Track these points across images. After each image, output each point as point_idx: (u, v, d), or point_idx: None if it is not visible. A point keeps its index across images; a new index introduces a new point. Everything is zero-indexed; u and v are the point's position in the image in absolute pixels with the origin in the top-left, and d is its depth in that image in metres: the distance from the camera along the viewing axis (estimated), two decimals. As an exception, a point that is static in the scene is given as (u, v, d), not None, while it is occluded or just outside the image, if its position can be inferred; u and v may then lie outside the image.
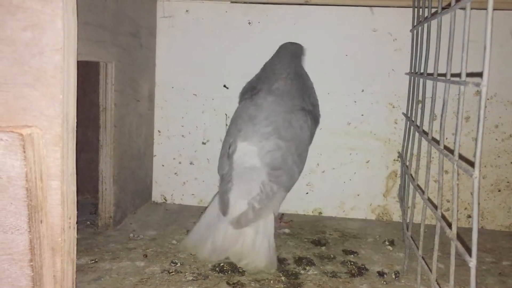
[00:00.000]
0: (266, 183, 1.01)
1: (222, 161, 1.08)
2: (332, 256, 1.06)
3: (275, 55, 1.21)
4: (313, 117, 1.16)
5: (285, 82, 1.13)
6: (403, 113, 1.27)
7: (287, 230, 1.21)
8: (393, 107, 1.32)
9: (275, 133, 1.05)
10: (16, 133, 0.57)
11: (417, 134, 0.96)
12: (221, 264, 0.98)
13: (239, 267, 0.98)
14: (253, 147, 1.04)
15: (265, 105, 1.09)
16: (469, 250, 0.56)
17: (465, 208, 1.31)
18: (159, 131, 1.40)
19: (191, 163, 1.40)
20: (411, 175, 1.00)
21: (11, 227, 0.59)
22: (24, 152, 0.57)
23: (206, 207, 1.38)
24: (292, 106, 1.11)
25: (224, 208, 1.01)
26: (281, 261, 1.02)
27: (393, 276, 0.97)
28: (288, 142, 1.06)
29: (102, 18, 1.05)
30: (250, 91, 1.16)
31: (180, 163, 1.40)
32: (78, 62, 0.66)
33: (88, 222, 1.20)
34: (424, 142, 0.87)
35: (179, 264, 0.99)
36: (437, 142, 0.74)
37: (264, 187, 1.01)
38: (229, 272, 0.96)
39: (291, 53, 1.20)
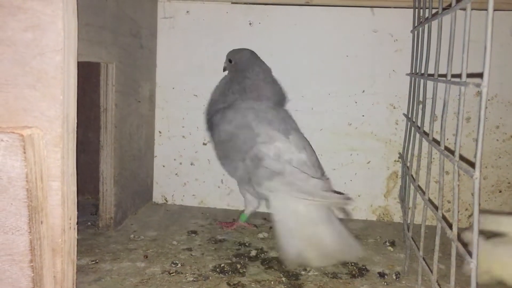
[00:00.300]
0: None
1: (273, 163, 1.03)
2: (332, 257, 1.06)
3: (236, 72, 1.21)
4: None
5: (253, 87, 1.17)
6: (404, 114, 1.27)
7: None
8: (394, 107, 1.32)
9: (290, 127, 1.10)
10: (16, 133, 0.58)
11: (417, 135, 0.96)
12: (222, 265, 0.98)
13: (239, 269, 0.98)
14: (286, 144, 1.04)
15: (259, 108, 1.12)
16: (470, 251, 0.56)
17: (466, 209, 1.31)
18: (159, 132, 1.40)
19: (191, 164, 1.40)
20: (411, 175, 1.00)
21: (12, 228, 0.59)
22: (25, 152, 0.58)
23: (206, 208, 1.38)
24: (276, 102, 1.17)
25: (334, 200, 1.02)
26: (281, 262, 1.02)
27: (394, 277, 0.97)
28: (300, 132, 1.12)
29: (102, 19, 1.05)
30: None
31: (180, 163, 1.40)
32: (78, 62, 0.66)
33: (89, 223, 1.20)
34: (425, 143, 0.87)
35: (179, 265, 0.99)
36: (438, 143, 0.74)
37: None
38: (230, 273, 0.96)
39: (249, 58, 1.22)
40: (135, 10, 1.22)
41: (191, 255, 1.05)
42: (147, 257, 1.02)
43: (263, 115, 1.09)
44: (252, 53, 1.22)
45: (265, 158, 1.03)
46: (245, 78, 1.16)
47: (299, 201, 1.00)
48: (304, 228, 1.00)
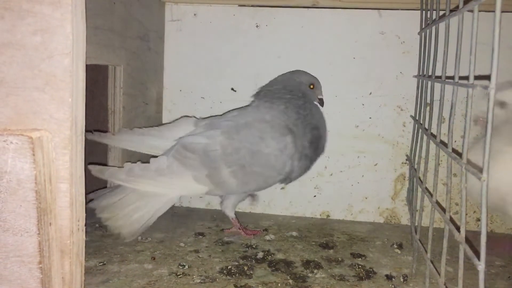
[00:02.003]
0: None
1: None
2: (340, 259, 1.06)
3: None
4: None
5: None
6: (411, 116, 1.26)
7: (294, 233, 1.21)
8: (401, 110, 1.31)
9: None
10: (26, 136, 0.58)
11: (425, 137, 0.96)
12: (229, 267, 0.98)
13: (246, 271, 0.98)
14: None
15: None
16: (477, 254, 0.55)
17: (474, 212, 1.30)
18: (167, 134, 1.40)
19: (199, 166, 1.40)
20: (419, 178, 1.00)
21: (21, 230, 0.59)
22: (34, 155, 0.58)
23: (213, 210, 1.38)
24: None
25: None
26: (288, 264, 1.02)
27: (401, 280, 0.97)
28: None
29: (111, 22, 1.05)
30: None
31: (188, 166, 1.40)
32: (87, 65, 0.66)
33: (97, 225, 1.20)
34: (433, 145, 0.86)
35: (187, 267, 0.99)
36: (445, 145, 0.74)
37: None
38: (237, 275, 0.96)
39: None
40: (143, 13, 1.23)
41: (198, 257, 1.05)
42: (154, 259, 1.02)
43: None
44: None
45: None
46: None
47: None
48: None
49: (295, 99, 1.17)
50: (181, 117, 1.28)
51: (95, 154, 1.36)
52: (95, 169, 1.07)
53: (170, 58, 1.38)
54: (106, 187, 1.17)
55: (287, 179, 1.17)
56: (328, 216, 1.37)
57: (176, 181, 1.09)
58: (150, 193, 1.08)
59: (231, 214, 1.20)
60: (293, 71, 1.24)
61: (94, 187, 1.36)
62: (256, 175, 1.12)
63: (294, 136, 1.12)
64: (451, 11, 0.79)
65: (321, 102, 1.22)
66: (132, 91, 1.18)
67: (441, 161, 1.17)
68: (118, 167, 1.11)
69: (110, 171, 1.08)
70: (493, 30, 0.51)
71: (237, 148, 1.09)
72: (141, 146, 1.15)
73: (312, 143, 1.16)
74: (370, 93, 1.32)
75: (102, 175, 1.08)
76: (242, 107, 1.25)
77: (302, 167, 1.16)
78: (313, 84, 1.21)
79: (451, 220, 0.73)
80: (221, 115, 1.25)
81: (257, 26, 1.34)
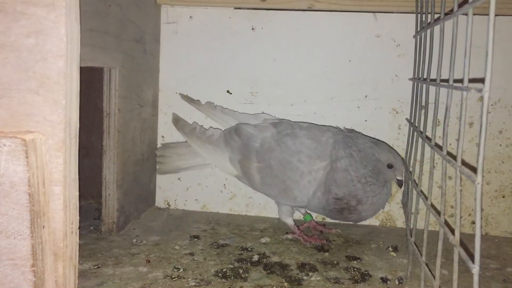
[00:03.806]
0: None
1: None
2: (335, 262, 1.06)
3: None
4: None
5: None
6: (406, 119, 1.27)
7: (289, 236, 1.21)
8: (397, 112, 1.31)
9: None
10: (19, 138, 0.58)
11: (420, 140, 0.96)
12: (224, 270, 0.98)
13: (242, 273, 0.97)
14: None
15: None
16: (472, 257, 0.56)
17: (469, 214, 1.30)
18: (162, 137, 1.40)
19: (194, 169, 1.39)
20: (414, 180, 1.00)
21: (14, 232, 0.59)
22: (27, 157, 0.58)
23: (208, 212, 1.38)
24: None
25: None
26: (284, 267, 1.02)
27: (397, 282, 0.97)
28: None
29: (106, 24, 1.05)
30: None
31: (183, 168, 1.40)
32: (82, 68, 0.66)
33: (92, 227, 1.20)
34: (427, 148, 0.87)
35: (181, 270, 0.99)
36: (440, 148, 0.74)
37: None
38: (232, 277, 0.96)
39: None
40: (139, 16, 1.22)
41: (193, 259, 1.04)
42: (149, 261, 1.02)
43: None
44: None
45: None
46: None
47: None
48: None
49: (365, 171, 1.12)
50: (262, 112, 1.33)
51: (90, 157, 1.36)
52: (174, 116, 1.34)
53: (165, 60, 1.38)
54: (101, 194, 1.17)
55: (306, 205, 1.17)
56: (323, 218, 1.36)
57: (216, 154, 1.24)
58: (196, 152, 1.27)
59: (287, 220, 1.22)
60: (378, 142, 1.17)
61: (89, 189, 1.36)
62: (277, 180, 1.15)
63: (331, 169, 1.11)
64: (445, 14, 0.80)
65: (399, 183, 1.13)
66: (128, 94, 1.18)
67: (436, 163, 1.17)
68: (189, 123, 1.32)
69: (182, 122, 1.31)
70: (487, 33, 0.51)
71: (272, 149, 1.16)
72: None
73: (339, 204, 1.12)
74: (366, 96, 1.32)
75: (177, 124, 1.32)
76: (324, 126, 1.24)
77: (322, 203, 1.13)
78: (392, 165, 1.12)
79: (446, 223, 0.73)
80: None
81: (253, 29, 1.34)
